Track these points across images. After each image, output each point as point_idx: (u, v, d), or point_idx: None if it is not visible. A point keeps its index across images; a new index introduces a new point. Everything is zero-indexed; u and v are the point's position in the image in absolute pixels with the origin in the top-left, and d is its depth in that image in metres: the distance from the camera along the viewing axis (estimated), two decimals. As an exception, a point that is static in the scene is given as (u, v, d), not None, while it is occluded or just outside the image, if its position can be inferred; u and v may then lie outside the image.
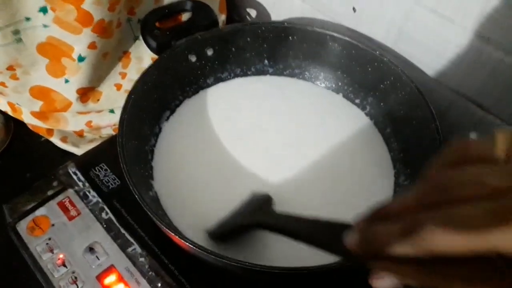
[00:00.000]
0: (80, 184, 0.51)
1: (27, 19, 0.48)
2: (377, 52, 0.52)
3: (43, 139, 0.63)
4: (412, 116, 0.50)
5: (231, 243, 0.44)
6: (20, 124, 0.62)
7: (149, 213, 0.39)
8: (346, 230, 0.22)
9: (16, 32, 0.48)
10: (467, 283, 0.18)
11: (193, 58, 0.55)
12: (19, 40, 0.49)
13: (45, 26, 0.49)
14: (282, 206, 0.47)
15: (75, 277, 0.45)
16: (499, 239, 0.16)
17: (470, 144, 0.21)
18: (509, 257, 0.16)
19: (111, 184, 0.51)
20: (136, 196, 0.40)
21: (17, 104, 0.57)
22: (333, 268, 0.36)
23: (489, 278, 0.17)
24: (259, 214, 0.40)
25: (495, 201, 0.17)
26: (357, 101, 0.58)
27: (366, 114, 0.57)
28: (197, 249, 0.37)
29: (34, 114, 0.58)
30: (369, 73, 0.54)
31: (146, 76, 0.49)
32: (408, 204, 0.20)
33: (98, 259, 0.46)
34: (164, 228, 0.39)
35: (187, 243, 0.37)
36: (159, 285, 0.44)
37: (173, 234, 0.38)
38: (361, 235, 0.21)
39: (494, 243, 0.16)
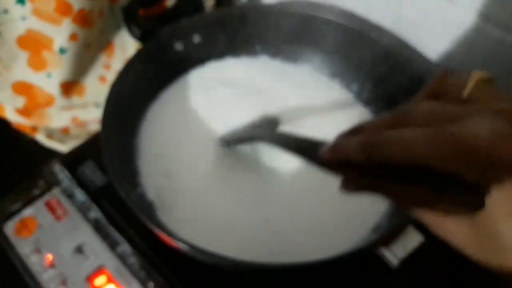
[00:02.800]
0: (67, 182, 0.49)
1: (5, 11, 0.46)
2: (374, 35, 0.50)
3: (28, 137, 0.62)
4: (411, 99, 0.48)
5: (237, 149, 0.49)
6: (5, 123, 0.60)
7: (134, 210, 0.37)
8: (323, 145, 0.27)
9: (-7, 26, 0.46)
10: (400, 187, 0.23)
11: (179, 46, 0.53)
12: (-3, 34, 0.47)
13: (23, 18, 0.47)
14: (272, 195, 0.47)
15: (64, 279, 0.44)
16: (430, 155, 0.20)
17: (448, 79, 0.26)
18: (437, 170, 0.20)
19: (99, 181, 0.50)
20: (122, 194, 0.38)
21: (0, 101, 0.55)
22: (327, 263, 0.35)
23: (417, 184, 0.22)
24: (264, 131, 0.48)
25: (436, 128, 0.21)
26: (355, 86, 0.56)
27: (364, 100, 0.55)
28: (186, 246, 0.36)
29: (18, 111, 0.56)
30: (367, 56, 0.53)
31: (129, 67, 0.47)
32: (376, 125, 0.24)
33: (87, 259, 0.45)
34: (152, 226, 0.37)
35: (175, 241, 0.36)
36: (151, 284, 0.43)
37: (161, 232, 0.37)
38: (333, 144, 0.25)
39: (425, 158, 0.20)
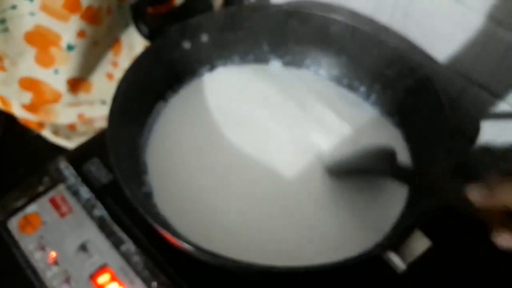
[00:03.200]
0: (72, 179, 0.49)
1: (13, 7, 0.47)
2: (383, 37, 0.50)
3: (35, 133, 0.62)
4: (420, 104, 0.48)
5: (348, 180, 0.46)
6: (11, 119, 0.61)
7: (139, 209, 0.37)
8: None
9: (2, 21, 0.47)
10: None
11: (187, 45, 0.53)
12: (6, 30, 0.48)
13: (32, 14, 0.48)
14: (280, 196, 0.46)
15: (68, 276, 0.44)
16: None
17: None
18: None
19: (104, 179, 0.49)
20: (127, 193, 0.38)
21: (7, 97, 0.55)
22: (333, 267, 0.35)
23: None
24: (382, 163, 0.42)
25: None
26: (363, 88, 0.55)
27: (372, 102, 0.55)
28: (191, 248, 0.36)
29: (24, 107, 0.57)
30: (375, 59, 0.52)
31: (137, 65, 0.47)
32: None
33: (91, 257, 0.44)
34: (156, 225, 0.37)
35: (181, 242, 0.36)
36: (154, 284, 0.43)
37: (165, 231, 0.37)
38: (489, 187, 0.23)
39: None
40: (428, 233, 0.42)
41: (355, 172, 0.46)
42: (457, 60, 0.49)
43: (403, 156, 0.50)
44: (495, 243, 0.24)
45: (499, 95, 0.47)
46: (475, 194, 0.25)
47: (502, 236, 0.24)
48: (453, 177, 0.37)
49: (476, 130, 0.51)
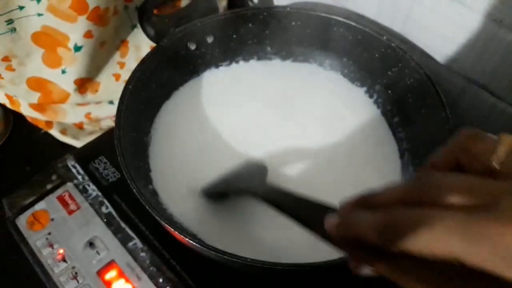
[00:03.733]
0: (80, 177, 0.50)
1: (21, 7, 0.47)
2: (384, 37, 0.51)
3: (42, 131, 0.62)
4: (421, 104, 0.48)
5: (220, 203, 0.45)
6: (20, 117, 0.61)
7: (147, 207, 0.38)
8: (330, 212, 0.23)
9: (10, 22, 0.47)
10: (426, 284, 0.19)
11: (192, 46, 0.54)
12: (13, 30, 0.48)
13: (39, 14, 0.48)
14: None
15: (75, 273, 0.44)
16: (463, 251, 0.17)
17: (474, 141, 0.22)
18: (471, 267, 0.17)
19: (111, 177, 0.50)
20: (134, 190, 0.39)
21: (15, 96, 0.56)
22: (335, 264, 0.35)
23: (449, 283, 0.19)
24: (252, 183, 0.41)
25: (468, 214, 0.18)
26: (364, 89, 0.56)
27: (374, 103, 0.55)
28: (197, 245, 0.36)
29: (32, 106, 0.57)
30: (376, 59, 0.53)
31: (143, 66, 0.48)
32: (393, 197, 0.21)
33: (99, 254, 0.45)
34: (164, 223, 0.38)
35: (187, 239, 0.36)
36: (160, 280, 0.43)
37: (173, 229, 0.37)
38: (341, 218, 0.22)
39: (457, 253, 0.17)
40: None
41: (228, 192, 0.44)
42: (458, 61, 0.49)
43: (406, 156, 0.50)
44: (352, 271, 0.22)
45: (499, 96, 0.48)
46: (331, 224, 0.22)
47: (362, 269, 0.22)
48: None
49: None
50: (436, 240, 0.18)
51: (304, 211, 0.27)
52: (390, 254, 0.19)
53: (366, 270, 0.21)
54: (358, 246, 0.20)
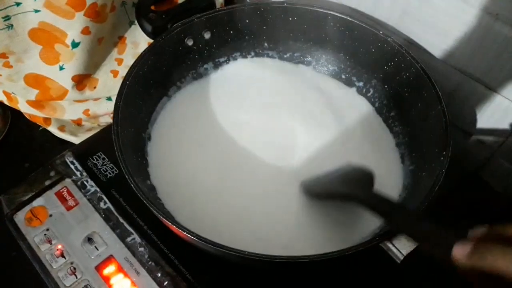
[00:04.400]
0: (78, 173, 0.50)
1: (17, 4, 0.47)
2: (381, 32, 0.51)
3: (41, 128, 0.62)
4: (417, 98, 0.48)
5: (321, 203, 0.44)
6: (18, 114, 0.61)
7: (145, 201, 0.38)
8: (456, 238, 0.22)
9: (7, 18, 0.47)
10: None
11: (190, 42, 0.54)
12: (10, 26, 0.48)
13: (36, 11, 0.48)
14: (279, 190, 0.47)
15: (74, 268, 0.44)
16: None
17: None
18: None
19: (109, 173, 0.50)
20: (132, 185, 0.39)
21: (13, 93, 0.56)
22: (333, 257, 0.35)
23: None
24: (358, 189, 0.40)
25: None
26: (361, 84, 0.56)
27: (368, 99, 0.55)
28: (195, 238, 0.36)
29: (30, 103, 0.57)
30: (373, 54, 0.53)
31: (141, 62, 0.48)
32: None
33: (97, 249, 0.45)
34: (161, 217, 0.38)
35: (185, 233, 0.37)
36: (159, 275, 0.43)
37: (170, 223, 0.37)
38: (474, 246, 0.21)
39: None
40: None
41: (327, 196, 0.44)
42: (454, 55, 0.49)
43: (403, 150, 0.50)
44: None
45: (495, 89, 0.48)
46: (460, 252, 0.22)
47: None
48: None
49: (472, 124, 0.52)
50: None
51: (419, 228, 0.27)
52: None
53: None
54: (486, 277, 0.20)
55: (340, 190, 0.41)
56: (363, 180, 0.41)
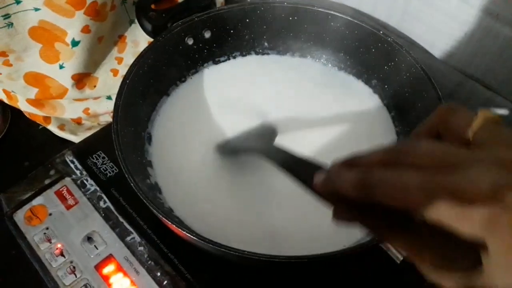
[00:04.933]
0: (78, 172, 0.50)
1: (17, 2, 0.47)
2: (381, 32, 0.51)
3: (40, 127, 0.62)
4: (417, 98, 0.48)
5: (230, 160, 0.48)
6: (17, 112, 0.61)
7: (145, 201, 0.38)
8: (317, 169, 0.26)
9: (7, 16, 0.47)
10: (388, 229, 0.22)
11: (190, 41, 0.54)
12: (10, 25, 0.48)
13: (36, 9, 0.48)
14: (276, 189, 0.47)
15: (73, 267, 0.44)
16: (420, 204, 0.20)
17: (452, 114, 0.24)
18: (427, 222, 0.20)
19: (109, 172, 0.50)
20: (132, 184, 0.39)
21: (12, 91, 0.56)
22: (333, 257, 0.36)
23: (404, 229, 0.22)
24: (260, 143, 0.45)
25: (432, 173, 0.20)
26: (361, 83, 0.56)
27: (374, 93, 0.55)
28: (195, 238, 0.36)
29: (30, 102, 0.57)
30: (373, 54, 0.53)
31: (141, 60, 0.48)
32: (375, 159, 0.23)
33: (97, 248, 0.45)
34: (161, 216, 0.38)
35: (185, 232, 0.37)
36: (158, 274, 0.43)
37: (170, 222, 0.37)
38: (327, 175, 0.24)
39: (415, 205, 0.20)
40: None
41: (235, 151, 0.48)
42: (454, 55, 0.49)
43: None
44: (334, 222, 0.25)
45: (495, 89, 0.48)
46: (320, 180, 0.25)
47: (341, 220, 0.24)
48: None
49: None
50: (399, 193, 0.20)
51: (303, 169, 0.30)
52: (365, 207, 0.22)
53: (344, 221, 0.24)
54: (340, 200, 0.23)
55: (244, 145, 0.47)
56: (265, 135, 0.48)
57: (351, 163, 0.24)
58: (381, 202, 0.21)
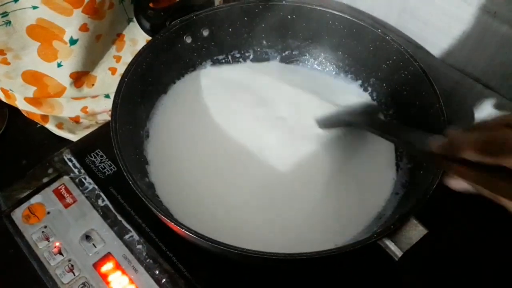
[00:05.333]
0: (76, 171, 0.50)
1: (15, 0, 0.46)
2: (379, 31, 0.51)
3: (38, 125, 0.62)
4: (416, 96, 0.48)
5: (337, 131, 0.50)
6: (15, 111, 0.61)
7: (143, 199, 0.38)
8: (431, 135, 0.28)
9: (4, 14, 0.47)
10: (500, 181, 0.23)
11: (188, 39, 0.54)
12: (8, 23, 0.48)
13: (34, 7, 0.47)
14: (277, 184, 0.47)
15: (72, 265, 0.44)
16: None
17: None
18: None
19: (107, 170, 0.50)
20: (130, 182, 0.39)
21: (10, 90, 0.56)
22: (331, 254, 0.36)
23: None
24: (363, 116, 0.48)
25: None
26: (359, 82, 0.56)
27: (369, 95, 0.55)
28: (194, 235, 0.36)
29: (28, 100, 0.57)
30: (371, 53, 0.53)
31: (139, 59, 0.48)
32: (492, 123, 0.24)
33: (95, 246, 0.45)
34: (160, 214, 0.38)
35: (183, 230, 0.37)
36: (157, 272, 0.43)
37: (169, 220, 0.37)
38: (449, 137, 0.25)
39: None
40: (424, 221, 0.43)
41: (340, 124, 0.50)
42: (452, 53, 0.49)
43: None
44: (448, 185, 0.27)
45: (493, 88, 0.48)
46: (437, 144, 0.27)
47: (454, 180, 0.27)
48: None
49: (470, 123, 0.52)
50: None
51: (411, 137, 0.32)
52: (482, 167, 0.23)
53: (461, 184, 0.26)
54: (457, 162, 0.24)
55: (348, 118, 0.49)
56: (367, 110, 0.52)
57: (469, 129, 0.25)
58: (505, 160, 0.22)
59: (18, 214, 0.47)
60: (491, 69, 0.47)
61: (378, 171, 0.49)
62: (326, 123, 0.50)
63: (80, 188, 0.49)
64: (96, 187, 0.49)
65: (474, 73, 0.49)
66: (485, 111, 0.50)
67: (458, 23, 0.46)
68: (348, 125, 0.49)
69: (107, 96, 0.59)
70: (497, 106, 0.49)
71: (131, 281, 0.43)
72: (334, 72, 0.58)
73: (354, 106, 0.52)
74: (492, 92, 0.48)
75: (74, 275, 0.44)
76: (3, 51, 0.50)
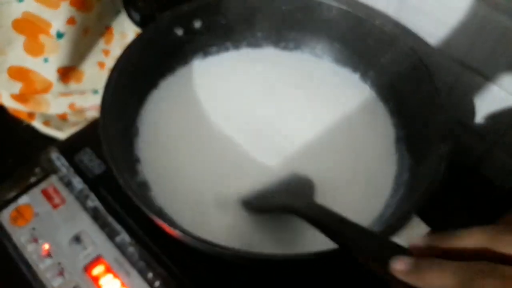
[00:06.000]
0: (64, 170, 0.48)
1: (-1, -7, 0.45)
2: (377, 22, 0.50)
3: (25, 123, 0.61)
4: (415, 89, 0.48)
5: (262, 217, 0.43)
6: (1, 109, 0.60)
7: (134, 199, 0.37)
8: (395, 251, 0.22)
9: (-12, 8, 0.45)
10: None
11: (179, 31, 0.52)
12: (-8, 17, 0.46)
13: (20, 1, 0.47)
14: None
15: (62, 269, 0.43)
16: None
17: None
18: None
19: (97, 169, 0.49)
20: (121, 182, 0.37)
21: (-5, 87, 0.54)
22: (325, 255, 0.35)
23: None
24: (299, 201, 0.38)
25: None
26: (357, 74, 0.55)
27: (369, 87, 0.54)
28: (188, 237, 0.35)
29: (14, 97, 0.56)
30: (369, 44, 0.52)
31: (128, 53, 0.46)
32: (471, 244, 0.20)
33: (85, 249, 0.44)
34: (152, 215, 0.36)
35: (177, 231, 0.35)
36: (150, 275, 0.42)
37: (161, 221, 0.36)
38: (413, 265, 0.20)
39: None
40: (426, 219, 0.42)
41: (266, 209, 0.42)
42: (452, 45, 0.49)
43: (401, 142, 0.50)
44: None
45: (494, 80, 0.47)
46: (398, 268, 0.21)
47: None
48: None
49: (471, 116, 0.51)
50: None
51: (362, 243, 0.26)
52: None
53: None
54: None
55: (278, 202, 0.41)
56: (303, 190, 0.41)
57: (439, 248, 0.21)
58: None
59: (5, 216, 0.46)
60: (491, 62, 0.47)
61: (378, 170, 0.48)
62: (253, 206, 0.43)
63: (69, 188, 0.47)
64: (86, 187, 0.47)
65: (475, 66, 0.48)
66: (486, 104, 0.49)
67: (458, 14, 0.46)
68: (280, 210, 0.40)
69: (95, 91, 0.58)
70: (498, 99, 0.48)
71: (123, 284, 0.42)
72: (332, 64, 0.56)
73: (285, 181, 0.44)
74: (493, 85, 0.47)
75: (65, 278, 0.43)
76: (-13, 46, 0.48)
